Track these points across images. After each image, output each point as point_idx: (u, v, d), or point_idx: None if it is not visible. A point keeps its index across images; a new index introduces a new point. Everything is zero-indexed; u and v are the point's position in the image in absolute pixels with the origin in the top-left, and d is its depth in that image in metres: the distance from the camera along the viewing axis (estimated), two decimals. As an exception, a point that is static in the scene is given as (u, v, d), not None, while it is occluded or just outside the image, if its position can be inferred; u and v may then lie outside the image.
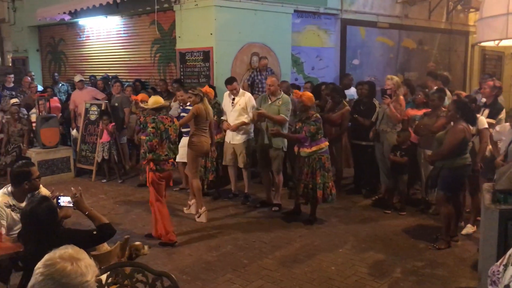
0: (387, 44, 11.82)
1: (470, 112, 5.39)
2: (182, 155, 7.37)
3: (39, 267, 1.73)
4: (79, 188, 3.56)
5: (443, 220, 5.46)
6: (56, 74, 11.82)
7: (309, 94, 6.24)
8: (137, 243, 3.99)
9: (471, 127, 5.34)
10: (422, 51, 12.70)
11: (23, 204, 3.98)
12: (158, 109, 5.55)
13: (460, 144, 5.18)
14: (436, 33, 12.92)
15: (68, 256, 1.74)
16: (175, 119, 5.83)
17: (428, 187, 6.38)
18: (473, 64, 14.13)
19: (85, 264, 1.75)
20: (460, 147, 5.20)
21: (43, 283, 1.67)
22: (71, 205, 3.52)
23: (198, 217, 6.34)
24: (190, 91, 6.51)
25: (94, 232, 3.33)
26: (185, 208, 6.66)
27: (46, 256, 1.77)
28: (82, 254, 1.80)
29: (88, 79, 10.82)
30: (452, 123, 5.36)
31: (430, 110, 6.35)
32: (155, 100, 5.59)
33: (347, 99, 8.00)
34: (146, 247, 3.98)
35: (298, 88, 7.94)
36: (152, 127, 5.41)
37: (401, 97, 6.70)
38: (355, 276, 4.71)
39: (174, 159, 5.85)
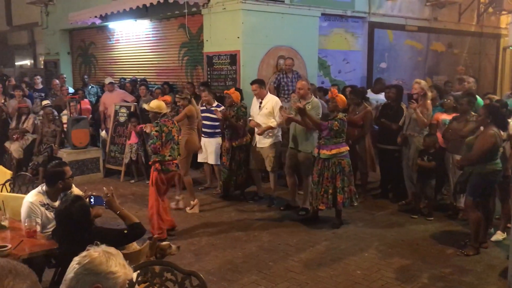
0: (415, 47, 11.69)
1: (501, 116, 5.29)
2: (204, 156, 7.58)
3: (75, 258, 1.85)
4: (111, 188, 3.65)
5: (472, 226, 5.37)
6: (86, 76, 12.09)
7: (343, 97, 6.27)
8: (164, 243, 4.05)
9: (502, 132, 5.24)
10: (451, 55, 12.52)
11: (57, 203, 4.10)
12: (162, 114, 5.79)
13: (490, 149, 5.09)
14: (466, 36, 12.71)
15: (100, 249, 1.87)
16: (175, 121, 6.10)
17: (456, 193, 6.27)
18: (504, 68, 13.84)
19: (115, 260, 1.84)
20: (490, 153, 5.11)
21: (72, 267, 1.81)
22: (103, 204, 3.62)
23: (190, 209, 6.81)
24: (177, 96, 7.09)
25: (125, 231, 3.42)
26: (173, 204, 6.93)
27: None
28: (116, 252, 1.89)
29: (118, 82, 11.03)
30: (482, 127, 5.28)
31: (459, 114, 6.26)
32: (158, 105, 5.83)
33: (378, 103, 7.94)
34: (174, 247, 4.03)
35: (326, 91, 7.93)
36: (156, 131, 5.66)
37: (428, 101, 6.60)
38: (381, 280, 4.68)
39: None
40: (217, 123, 7.44)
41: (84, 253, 1.84)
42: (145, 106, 6.11)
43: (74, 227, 3.25)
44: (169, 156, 5.73)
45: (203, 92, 7.72)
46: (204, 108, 7.63)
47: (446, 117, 6.57)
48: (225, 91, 7.50)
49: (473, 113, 6.09)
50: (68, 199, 3.46)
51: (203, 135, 7.68)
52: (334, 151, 5.95)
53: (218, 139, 7.55)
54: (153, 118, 5.83)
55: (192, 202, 6.86)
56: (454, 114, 6.41)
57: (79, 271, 1.78)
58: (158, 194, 5.80)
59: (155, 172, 5.75)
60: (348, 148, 6.12)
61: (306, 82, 6.71)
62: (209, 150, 7.56)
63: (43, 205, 4.05)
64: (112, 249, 1.90)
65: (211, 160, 7.60)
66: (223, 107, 7.44)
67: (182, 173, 6.80)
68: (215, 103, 7.57)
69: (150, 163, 5.93)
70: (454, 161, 5.95)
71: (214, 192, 7.72)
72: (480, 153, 5.12)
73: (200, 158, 7.72)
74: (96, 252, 1.84)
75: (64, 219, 3.30)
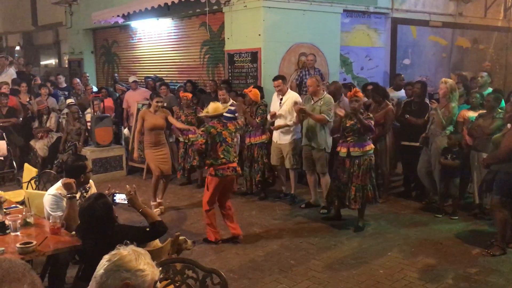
0: (439, 43, 11.49)
1: (529, 113, 5.15)
2: None
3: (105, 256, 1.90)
4: (134, 186, 3.68)
5: (499, 225, 5.25)
6: (116, 74, 12.13)
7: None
8: (180, 238, 4.06)
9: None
10: (477, 50, 12.26)
11: (77, 196, 4.20)
12: (213, 117, 5.55)
13: (518, 147, 4.96)
14: (492, 31, 12.43)
15: (130, 248, 1.92)
16: (229, 124, 5.62)
17: (483, 192, 6.13)
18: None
19: (144, 259, 1.89)
20: (518, 150, 4.98)
21: (102, 264, 1.86)
22: (125, 202, 3.65)
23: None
24: (158, 98, 7.00)
25: (147, 229, 3.44)
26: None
27: None
28: (145, 251, 1.94)
29: (143, 80, 11.10)
30: (509, 125, 5.15)
31: (485, 111, 6.12)
32: (215, 108, 5.54)
33: (400, 100, 7.82)
34: (189, 241, 4.04)
35: (350, 88, 7.83)
36: (202, 130, 5.46)
37: (453, 105, 6.37)
38: (404, 280, 4.61)
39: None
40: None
41: (114, 251, 1.89)
42: (202, 114, 5.95)
43: (97, 224, 3.29)
44: (223, 158, 5.36)
45: (220, 90, 7.74)
46: None
47: (472, 114, 6.43)
48: (244, 90, 7.51)
49: (499, 109, 5.95)
50: (91, 196, 3.51)
51: None
52: (367, 148, 5.82)
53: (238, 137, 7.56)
54: (207, 120, 5.63)
55: (152, 203, 6.84)
56: (480, 111, 6.27)
57: (109, 268, 1.83)
58: (212, 201, 5.54)
59: (209, 177, 5.46)
60: (373, 146, 6.02)
61: (315, 79, 6.62)
62: None
63: (64, 197, 4.14)
64: (140, 249, 1.94)
65: None
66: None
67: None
68: (230, 101, 7.57)
69: (206, 167, 5.55)
70: (480, 159, 5.81)
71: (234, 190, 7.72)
72: (507, 151, 5.00)
73: None
74: (126, 251, 1.88)
75: (87, 216, 3.34)
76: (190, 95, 8.01)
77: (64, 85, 11.73)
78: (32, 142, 9.15)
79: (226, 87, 8.18)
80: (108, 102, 9.82)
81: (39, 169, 6.98)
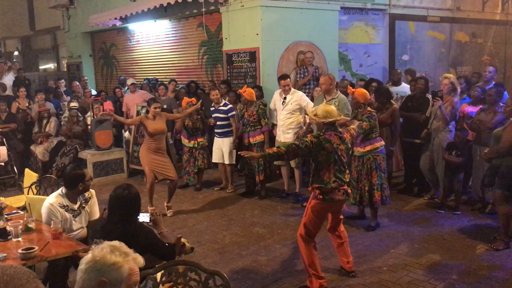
0: (438, 38, 11.48)
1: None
2: (219, 156, 7.52)
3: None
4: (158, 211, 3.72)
5: (501, 219, 5.23)
6: (122, 77, 12.05)
7: (362, 90, 5.80)
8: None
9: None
10: (475, 44, 12.24)
11: (76, 205, 4.22)
12: (329, 124, 4.23)
13: (519, 140, 4.95)
14: (490, 25, 12.41)
15: (103, 245, 1.92)
16: (346, 134, 4.37)
17: (485, 186, 6.10)
18: (531, 57, 13.46)
19: (118, 251, 1.88)
20: (519, 144, 4.97)
21: (79, 269, 1.88)
22: (148, 220, 3.70)
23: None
24: (156, 104, 6.65)
25: (166, 244, 3.48)
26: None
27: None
28: (120, 243, 1.94)
29: (141, 82, 11.08)
30: (511, 119, 5.13)
31: (486, 105, 6.11)
32: (326, 110, 4.24)
33: (398, 95, 7.79)
34: (188, 246, 4.03)
35: (353, 85, 7.81)
36: (310, 141, 4.14)
37: (455, 99, 6.35)
38: (408, 277, 4.59)
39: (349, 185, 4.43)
40: (227, 122, 7.43)
41: (88, 254, 1.89)
42: (313, 118, 4.33)
43: (124, 210, 3.37)
44: (334, 182, 4.20)
45: (212, 90, 7.66)
46: (213, 108, 7.61)
47: (472, 109, 6.42)
48: (238, 91, 7.47)
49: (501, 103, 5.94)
50: (120, 186, 3.54)
51: (216, 135, 7.67)
52: (368, 148, 5.66)
53: (231, 138, 7.51)
54: (319, 128, 4.36)
55: (149, 208, 6.51)
56: (480, 106, 6.26)
57: (83, 269, 1.83)
58: (313, 231, 4.46)
59: (313, 201, 4.36)
60: (383, 143, 5.79)
61: (328, 77, 6.53)
62: (224, 149, 7.52)
63: (62, 206, 4.14)
64: (115, 242, 1.93)
65: (227, 160, 7.57)
66: (230, 106, 7.44)
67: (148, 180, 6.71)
68: (222, 102, 7.53)
69: (309, 188, 4.47)
70: (482, 153, 5.79)
71: (228, 191, 7.70)
72: (509, 145, 4.98)
73: (215, 159, 7.70)
74: (98, 248, 1.88)
75: (115, 202, 3.40)
76: (195, 100, 7.85)
77: (64, 89, 11.75)
78: (32, 147, 9.14)
79: (225, 87, 8.16)
80: (108, 105, 9.80)
81: (40, 174, 6.97)
